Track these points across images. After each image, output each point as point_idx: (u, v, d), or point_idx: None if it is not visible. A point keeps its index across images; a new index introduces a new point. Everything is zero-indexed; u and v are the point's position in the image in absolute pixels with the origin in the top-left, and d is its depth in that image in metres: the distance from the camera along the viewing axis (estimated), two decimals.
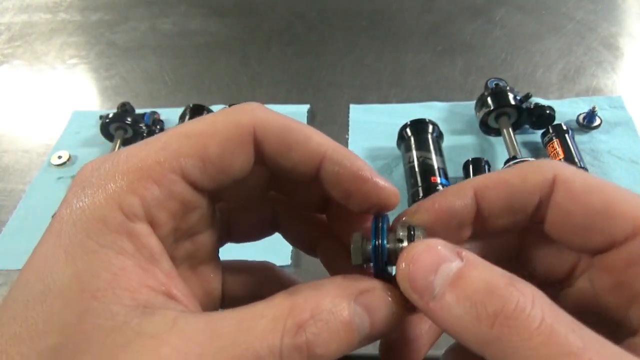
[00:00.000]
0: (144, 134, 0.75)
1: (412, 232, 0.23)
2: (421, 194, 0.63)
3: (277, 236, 0.69)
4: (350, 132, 0.79)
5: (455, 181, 0.67)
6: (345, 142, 0.77)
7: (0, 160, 0.80)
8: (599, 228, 0.22)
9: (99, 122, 0.76)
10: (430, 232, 0.24)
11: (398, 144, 0.72)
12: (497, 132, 0.74)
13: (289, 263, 0.62)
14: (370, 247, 0.23)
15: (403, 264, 0.21)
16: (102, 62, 0.99)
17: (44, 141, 0.82)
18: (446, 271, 0.20)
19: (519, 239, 0.27)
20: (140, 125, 0.76)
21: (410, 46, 0.95)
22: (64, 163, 0.77)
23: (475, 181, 0.25)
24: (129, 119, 0.75)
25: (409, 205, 0.64)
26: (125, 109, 0.77)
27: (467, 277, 0.19)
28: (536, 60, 0.89)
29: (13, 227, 0.70)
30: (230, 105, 0.79)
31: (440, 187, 0.63)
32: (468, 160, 0.68)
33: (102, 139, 0.76)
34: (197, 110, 0.76)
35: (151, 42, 1.02)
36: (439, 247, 0.20)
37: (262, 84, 0.90)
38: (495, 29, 0.97)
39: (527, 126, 0.75)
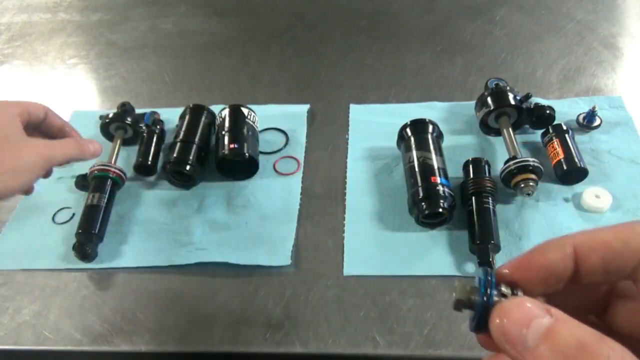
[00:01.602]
0: (144, 134, 0.75)
1: (514, 292, 0.25)
2: (421, 194, 0.63)
3: (277, 236, 0.70)
4: (350, 132, 0.79)
5: (455, 181, 0.67)
6: (345, 142, 0.77)
7: None
8: None
9: (99, 122, 0.76)
10: (528, 287, 0.26)
11: (398, 144, 0.72)
12: (497, 132, 0.74)
13: (289, 263, 0.62)
14: (476, 297, 0.25)
15: (497, 319, 0.23)
16: (102, 62, 0.99)
17: None
18: (538, 326, 0.21)
19: (607, 294, 0.28)
20: (140, 125, 0.76)
21: (410, 46, 0.95)
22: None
23: (575, 239, 0.25)
24: (129, 119, 0.75)
25: (409, 204, 0.64)
26: (125, 109, 0.77)
27: (558, 331, 0.21)
28: (536, 60, 0.90)
29: (13, 227, 0.70)
30: (230, 106, 0.80)
31: (440, 187, 0.63)
32: (468, 160, 0.68)
33: (102, 138, 0.76)
34: (197, 110, 0.76)
35: (151, 42, 1.02)
36: (528, 304, 0.23)
37: (262, 84, 0.90)
38: (495, 29, 0.98)
39: (527, 126, 0.75)
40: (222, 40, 1.01)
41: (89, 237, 0.64)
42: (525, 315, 0.22)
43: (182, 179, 0.71)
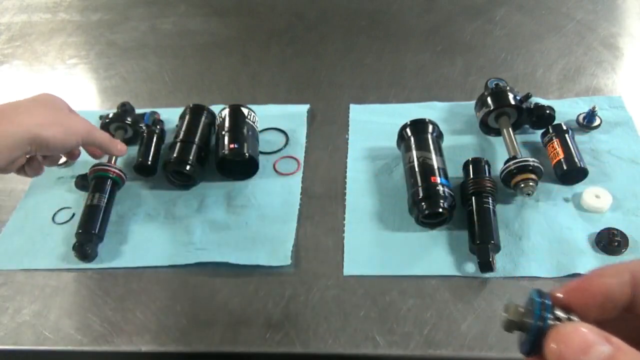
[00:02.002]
0: (144, 134, 0.75)
1: (569, 316, 0.25)
2: (421, 194, 0.63)
3: (277, 236, 0.70)
4: (350, 132, 0.79)
5: (455, 181, 0.67)
6: (345, 142, 0.77)
7: None
8: None
9: (99, 122, 0.76)
10: (583, 312, 0.25)
11: (398, 144, 0.72)
12: (497, 132, 0.74)
13: (289, 263, 0.62)
14: (531, 320, 0.24)
15: (553, 344, 0.22)
16: (101, 62, 0.99)
17: None
18: (597, 354, 0.21)
19: None
20: (140, 125, 0.76)
21: (410, 46, 0.95)
22: (64, 163, 0.77)
23: (632, 266, 0.25)
24: (129, 119, 0.75)
25: (409, 204, 0.64)
26: (125, 109, 0.77)
27: None
28: (536, 60, 0.89)
29: (13, 227, 0.70)
30: (230, 106, 0.80)
31: (440, 187, 0.63)
32: (468, 160, 0.68)
33: None
34: (197, 110, 0.76)
35: (151, 42, 1.02)
36: (585, 330, 0.22)
37: (262, 84, 0.90)
38: (495, 29, 0.97)
39: (527, 126, 0.75)
40: (222, 40, 1.01)
41: (89, 237, 0.64)
42: (584, 342, 0.21)
43: (182, 179, 0.71)
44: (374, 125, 0.79)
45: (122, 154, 0.69)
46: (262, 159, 0.74)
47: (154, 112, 0.79)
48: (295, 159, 0.75)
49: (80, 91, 0.93)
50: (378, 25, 1.01)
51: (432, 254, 0.62)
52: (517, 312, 0.25)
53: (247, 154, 0.70)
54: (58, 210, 0.71)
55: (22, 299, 0.62)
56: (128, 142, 0.77)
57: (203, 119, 0.75)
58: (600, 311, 0.25)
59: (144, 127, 0.76)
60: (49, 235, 0.68)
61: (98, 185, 0.68)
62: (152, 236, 0.67)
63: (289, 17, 1.06)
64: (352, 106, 0.83)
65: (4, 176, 0.77)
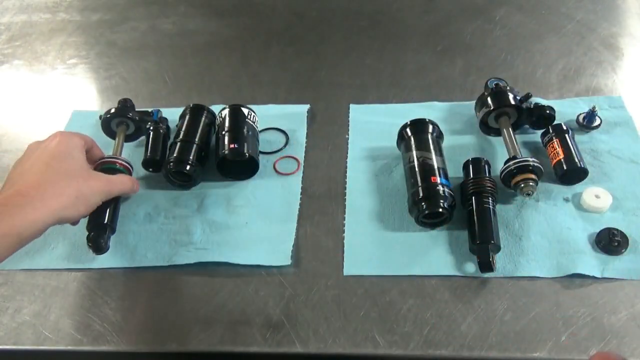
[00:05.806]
0: (150, 130, 0.74)
1: None
2: (421, 194, 0.63)
3: (277, 235, 0.70)
4: (350, 132, 0.79)
5: (455, 181, 0.67)
6: (345, 142, 0.77)
7: (1, 160, 0.80)
8: None
9: (99, 120, 0.75)
10: None
11: (398, 144, 0.72)
12: (497, 132, 0.74)
13: (289, 263, 0.62)
14: None
15: None
16: (102, 62, 0.99)
17: None
18: None
19: None
20: (147, 120, 0.75)
21: (410, 46, 0.95)
22: None
23: None
24: (130, 114, 0.74)
25: (409, 204, 0.64)
26: (126, 105, 0.75)
27: None
28: (536, 60, 0.90)
29: None
30: (230, 106, 0.79)
31: (440, 187, 0.63)
32: (468, 160, 0.68)
33: (102, 138, 0.76)
34: (197, 110, 0.76)
35: (151, 42, 1.02)
36: None
37: (262, 84, 0.90)
38: (495, 29, 0.98)
39: (527, 126, 0.75)
40: (222, 40, 1.01)
41: (101, 228, 0.62)
42: None
43: (182, 179, 0.71)
44: (374, 125, 0.79)
45: (138, 190, 0.69)
46: (262, 159, 0.74)
47: (159, 110, 0.78)
48: (295, 158, 0.75)
49: (80, 91, 0.93)
50: (378, 25, 1.01)
51: (432, 254, 0.62)
52: None
53: (247, 154, 0.70)
54: None
55: (22, 299, 0.62)
56: (130, 138, 0.77)
57: (203, 119, 0.75)
58: None
59: (150, 124, 0.75)
60: (49, 235, 0.68)
61: None
62: (152, 236, 0.67)
63: (289, 17, 1.06)
64: (352, 106, 0.83)
65: (4, 176, 0.77)
